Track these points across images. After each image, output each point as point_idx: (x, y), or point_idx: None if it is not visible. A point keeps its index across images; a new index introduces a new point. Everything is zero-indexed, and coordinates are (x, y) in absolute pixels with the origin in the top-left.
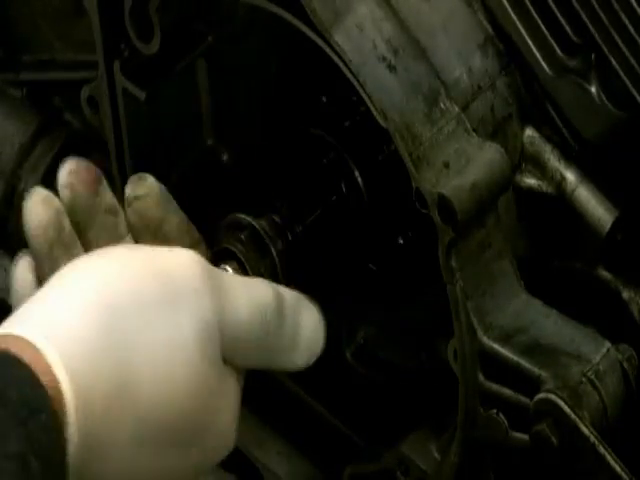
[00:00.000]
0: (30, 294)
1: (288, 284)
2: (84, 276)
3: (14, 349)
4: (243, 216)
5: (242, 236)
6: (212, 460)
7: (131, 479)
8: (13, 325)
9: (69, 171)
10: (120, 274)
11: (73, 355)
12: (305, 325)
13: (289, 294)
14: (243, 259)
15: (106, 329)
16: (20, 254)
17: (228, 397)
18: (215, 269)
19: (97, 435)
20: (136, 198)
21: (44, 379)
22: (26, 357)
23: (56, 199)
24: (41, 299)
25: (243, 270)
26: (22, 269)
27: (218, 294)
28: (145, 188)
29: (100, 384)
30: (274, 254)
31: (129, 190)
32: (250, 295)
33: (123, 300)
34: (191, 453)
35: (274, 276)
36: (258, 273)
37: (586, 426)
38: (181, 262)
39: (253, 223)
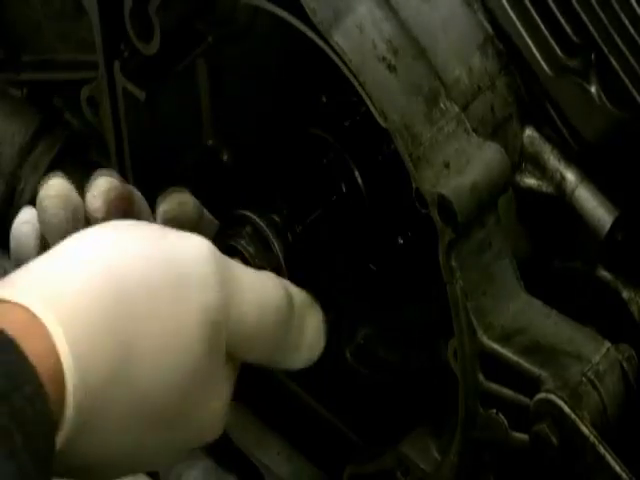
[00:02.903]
0: (32, 254)
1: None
2: (93, 250)
3: (5, 320)
4: (247, 213)
5: (245, 233)
6: (196, 443)
7: (117, 454)
8: (14, 288)
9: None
10: (131, 254)
11: (74, 325)
12: (309, 326)
13: (298, 294)
14: (247, 255)
15: (111, 308)
16: (25, 209)
17: (221, 386)
18: (227, 259)
19: (92, 409)
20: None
21: (40, 347)
22: (18, 326)
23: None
24: (44, 266)
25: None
26: (26, 229)
27: (228, 285)
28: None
29: (100, 361)
30: (278, 251)
31: (166, 206)
32: (260, 290)
33: (131, 282)
34: (178, 435)
35: (278, 272)
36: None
37: (586, 426)
38: (193, 249)
39: (256, 219)
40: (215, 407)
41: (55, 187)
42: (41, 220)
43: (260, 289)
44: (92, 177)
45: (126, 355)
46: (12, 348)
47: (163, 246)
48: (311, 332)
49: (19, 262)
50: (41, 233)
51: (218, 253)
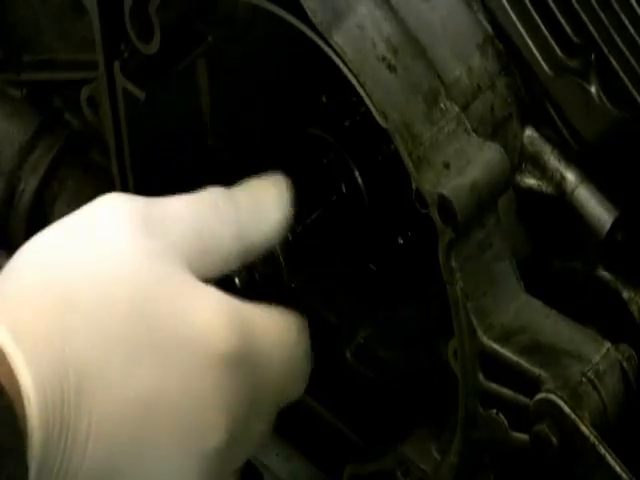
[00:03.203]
0: None
1: (289, 283)
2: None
3: None
4: None
5: None
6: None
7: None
8: None
9: None
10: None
11: (33, 348)
12: (266, 196)
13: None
14: None
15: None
16: None
17: (200, 301)
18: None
19: (56, 420)
20: None
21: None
22: None
23: None
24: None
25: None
26: None
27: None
28: None
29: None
30: (278, 251)
31: None
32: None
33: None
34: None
35: (278, 273)
36: (263, 270)
37: (586, 426)
38: (106, 203)
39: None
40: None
41: None
42: None
43: (277, 330)
44: None
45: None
46: None
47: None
48: (271, 198)
49: None
50: None
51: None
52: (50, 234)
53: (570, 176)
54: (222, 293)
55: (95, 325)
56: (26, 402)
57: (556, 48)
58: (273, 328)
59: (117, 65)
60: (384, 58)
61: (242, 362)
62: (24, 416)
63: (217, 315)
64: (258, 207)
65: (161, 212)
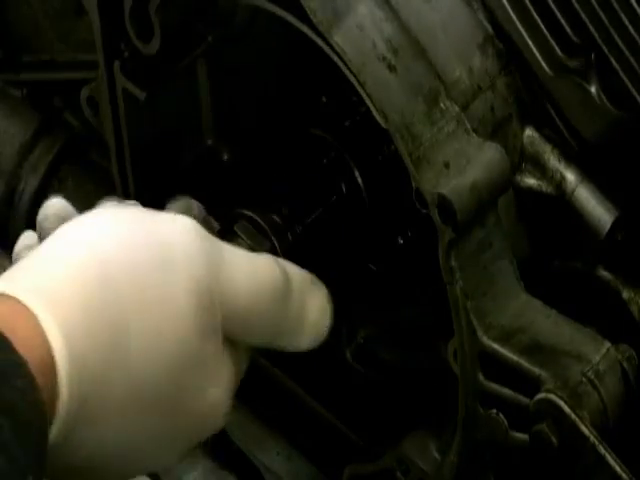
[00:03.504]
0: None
1: None
2: (76, 237)
3: None
4: (247, 212)
5: (245, 232)
6: (196, 436)
7: (116, 448)
8: (5, 283)
9: None
10: (114, 237)
11: (67, 319)
12: (312, 305)
13: (297, 273)
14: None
15: (96, 294)
16: (26, 233)
17: (221, 373)
18: (215, 239)
19: (86, 397)
20: None
21: (31, 338)
22: (5, 318)
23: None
24: (30, 259)
25: None
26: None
27: (216, 263)
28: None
29: (91, 348)
30: (278, 251)
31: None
32: (252, 268)
33: (115, 266)
34: (178, 425)
35: None
36: None
37: (586, 426)
38: (178, 229)
39: (257, 219)
40: (215, 395)
41: (54, 206)
42: (42, 240)
43: (253, 268)
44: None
45: (116, 340)
46: (0, 341)
47: (149, 228)
48: (315, 311)
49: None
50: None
51: (206, 233)
52: (119, 233)
53: (570, 176)
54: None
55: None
56: (57, 360)
57: (556, 48)
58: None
59: (117, 65)
60: (384, 58)
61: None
62: (55, 374)
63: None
64: (302, 317)
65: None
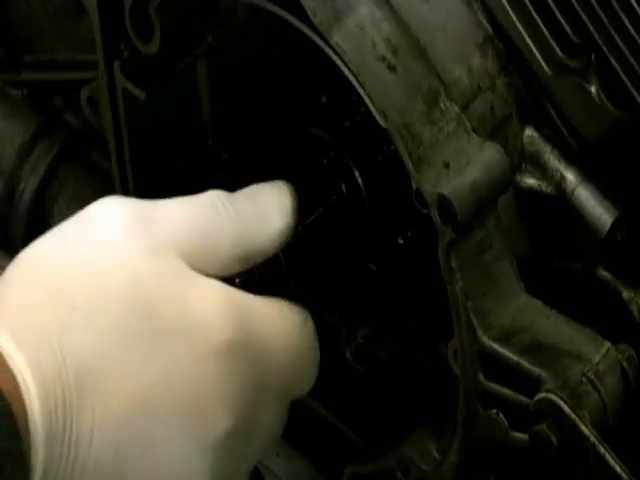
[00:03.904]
0: None
1: (289, 283)
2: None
3: None
4: None
5: None
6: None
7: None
8: None
9: None
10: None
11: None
12: (267, 203)
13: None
14: None
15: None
16: None
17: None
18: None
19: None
20: None
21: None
22: None
23: None
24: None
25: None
26: None
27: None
28: None
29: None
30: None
31: None
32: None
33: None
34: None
35: (278, 273)
36: (263, 270)
37: (586, 426)
38: (102, 206)
39: None
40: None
41: None
42: None
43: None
44: None
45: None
46: None
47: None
48: (273, 203)
49: None
50: None
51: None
52: (47, 238)
53: (570, 176)
54: (221, 282)
55: (93, 322)
56: (27, 402)
57: (556, 48)
58: (274, 316)
59: (117, 65)
60: (384, 58)
61: (242, 350)
62: (25, 416)
63: (216, 303)
64: (259, 213)
65: (156, 213)
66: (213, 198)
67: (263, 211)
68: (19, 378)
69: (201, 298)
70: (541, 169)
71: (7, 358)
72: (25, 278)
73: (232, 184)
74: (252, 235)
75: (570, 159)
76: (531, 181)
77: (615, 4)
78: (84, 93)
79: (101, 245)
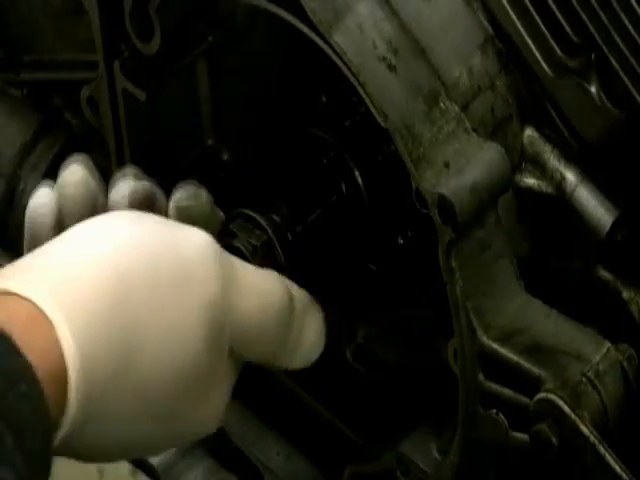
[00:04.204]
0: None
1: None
2: (101, 243)
3: (8, 314)
4: (247, 212)
5: (245, 232)
6: (193, 437)
7: (115, 444)
8: (18, 279)
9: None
10: (137, 248)
11: (80, 320)
12: (310, 326)
13: (299, 293)
14: (247, 254)
15: (117, 299)
16: (43, 189)
17: (222, 383)
18: (230, 256)
19: (94, 405)
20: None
21: (43, 343)
22: (21, 321)
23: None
24: (51, 257)
25: None
26: (44, 211)
27: (230, 282)
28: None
29: (104, 358)
30: (278, 251)
31: (181, 195)
32: (263, 289)
33: (137, 278)
34: (177, 428)
35: (278, 271)
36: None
37: (586, 426)
38: (197, 244)
39: (257, 219)
40: (214, 402)
41: (77, 174)
42: (60, 205)
43: (262, 287)
44: (116, 175)
45: (129, 351)
46: (7, 345)
47: (169, 240)
48: (311, 332)
49: (32, 243)
50: (57, 216)
51: (221, 250)
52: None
53: (570, 176)
54: None
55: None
56: (69, 368)
57: (556, 48)
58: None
59: (117, 65)
60: (384, 58)
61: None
62: (65, 382)
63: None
64: (302, 340)
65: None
66: (286, 304)
67: (304, 340)
68: (62, 344)
69: None
70: (541, 169)
71: (52, 322)
72: (97, 270)
73: (232, 184)
74: (282, 356)
75: (570, 159)
76: (531, 181)
77: (615, 4)
78: (84, 93)
79: (187, 272)
